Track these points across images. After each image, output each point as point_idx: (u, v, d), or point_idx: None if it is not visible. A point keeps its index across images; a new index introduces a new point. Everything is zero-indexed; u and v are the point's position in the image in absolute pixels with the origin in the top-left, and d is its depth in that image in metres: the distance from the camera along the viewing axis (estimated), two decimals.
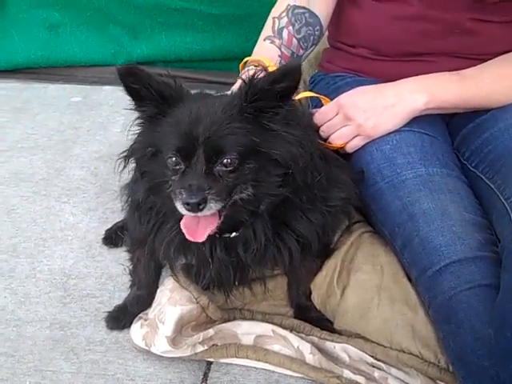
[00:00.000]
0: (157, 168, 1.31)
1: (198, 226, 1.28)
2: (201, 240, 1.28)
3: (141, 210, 1.45)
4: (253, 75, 1.26)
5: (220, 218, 1.29)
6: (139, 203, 1.43)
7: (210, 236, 1.34)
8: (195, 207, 1.20)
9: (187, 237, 1.28)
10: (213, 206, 1.22)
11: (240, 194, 1.28)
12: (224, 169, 1.24)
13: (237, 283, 1.54)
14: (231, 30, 2.84)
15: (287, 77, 1.21)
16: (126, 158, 1.37)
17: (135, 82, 1.23)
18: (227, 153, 1.23)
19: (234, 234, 1.38)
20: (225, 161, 1.23)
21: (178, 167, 1.25)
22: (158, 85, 1.25)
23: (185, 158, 1.23)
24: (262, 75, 1.26)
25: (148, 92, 1.25)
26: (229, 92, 1.43)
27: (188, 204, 1.20)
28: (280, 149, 1.26)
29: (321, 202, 1.44)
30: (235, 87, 1.47)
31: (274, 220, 1.39)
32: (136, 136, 1.35)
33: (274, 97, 1.23)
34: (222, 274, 1.45)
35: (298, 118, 1.33)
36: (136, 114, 1.33)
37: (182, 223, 1.29)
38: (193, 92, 1.37)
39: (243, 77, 1.30)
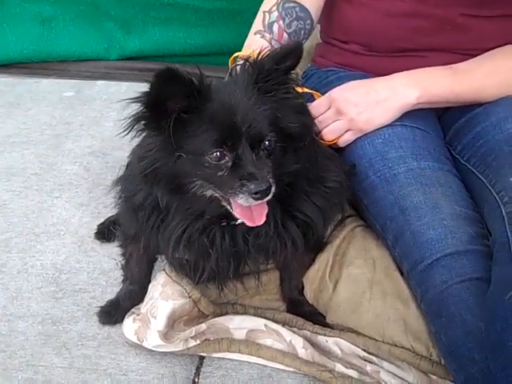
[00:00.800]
0: (181, 170, 1.26)
1: (253, 212, 1.28)
2: (262, 222, 1.29)
3: (140, 211, 1.42)
4: (257, 56, 1.27)
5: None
6: (140, 205, 1.41)
7: (221, 226, 1.37)
8: (264, 193, 1.20)
9: (248, 223, 1.28)
10: (273, 189, 1.23)
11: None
12: (266, 152, 1.25)
13: (231, 276, 1.53)
14: (224, 25, 2.83)
15: (290, 56, 1.25)
16: (146, 171, 1.29)
17: (172, 84, 1.17)
18: (267, 136, 1.24)
19: (239, 220, 1.34)
20: (266, 144, 1.24)
21: (222, 162, 1.23)
22: (191, 82, 1.19)
23: (230, 149, 1.22)
24: (265, 55, 1.27)
25: (182, 91, 1.18)
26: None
27: (257, 193, 1.19)
28: (295, 120, 1.28)
29: (320, 182, 1.45)
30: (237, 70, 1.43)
31: (281, 204, 1.39)
32: (148, 145, 1.27)
33: (280, 75, 1.26)
34: (220, 264, 1.44)
35: (294, 87, 1.35)
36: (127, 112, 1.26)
37: (237, 213, 1.29)
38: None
39: (250, 60, 1.29)
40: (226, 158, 1.23)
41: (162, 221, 1.41)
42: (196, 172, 1.26)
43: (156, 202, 1.37)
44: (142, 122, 1.25)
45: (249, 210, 1.28)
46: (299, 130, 1.29)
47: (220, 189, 1.26)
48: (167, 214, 1.39)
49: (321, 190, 1.45)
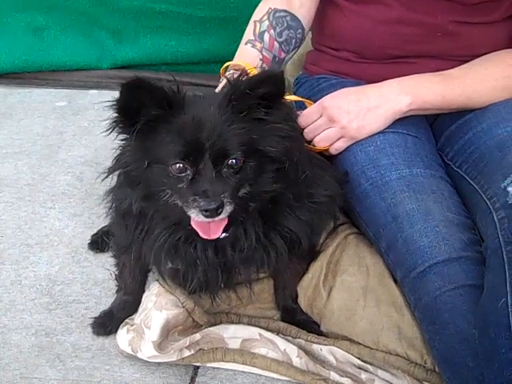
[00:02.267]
0: (152, 177, 1.29)
1: (210, 226, 1.29)
2: (216, 237, 1.29)
3: (128, 218, 1.44)
4: (238, 76, 1.27)
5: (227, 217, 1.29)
6: (126, 211, 1.42)
7: (194, 238, 1.36)
8: (214, 213, 1.20)
9: (202, 235, 1.29)
10: (228, 209, 1.23)
11: (241, 192, 1.29)
12: (231, 170, 1.25)
13: (223, 286, 1.53)
14: (216, 33, 2.83)
15: (265, 84, 1.22)
16: (111, 172, 1.37)
17: (142, 93, 1.20)
18: (232, 154, 1.24)
19: (223, 234, 1.36)
20: (230, 161, 1.24)
21: (183, 174, 1.24)
22: (164, 93, 1.22)
23: (192, 163, 1.23)
24: (245, 78, 1.27)
25: (152, 101, 1.22)
26: (216, 90, 1.43)
27: (207, 210, 1.20)
28: (276, 145, 1.27)
29: (307, 198, 1.45)
30: (220, 87, 1.47)
31: (263, 218, 1.39)
32: (124, 148, 1.32)
33: (259, 99, 1.24)
34: (209, 275, 1.45)
35: (288, 113, 1.34)
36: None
37: (193, 224, 1.29)
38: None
39: (229, 76, 1.31)
40: (188, 171, 1.24)
41: (148, 229, 1.42)
42: (163, 180, 1.28)
43: (149, 211, 1.38)
44: (118, 126, 1.28)
45: (206, 224, 1.28)
46: (279, 155, 1.28)
47: (180, 200, 1.27)
48: (151, 222, 1.40)
49: (307, 205, 1.46)
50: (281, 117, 1.29)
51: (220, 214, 1.21)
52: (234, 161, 1.24)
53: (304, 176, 1.41)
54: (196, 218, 1.25)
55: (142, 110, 1.23)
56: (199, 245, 1.39)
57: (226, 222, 1.30)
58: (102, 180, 1.39)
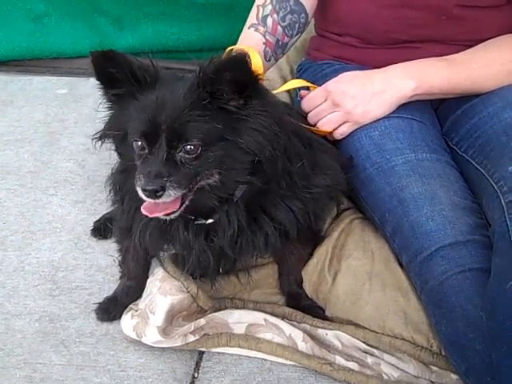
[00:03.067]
0: (127, 150, 1.31)
1: (157, 207, 1.27)
2: (156, 215, 1.28)
3: (120, 194, 1.45)
4: (209, 61, 1.23)
5: (184, 203, 1.28)
6: (118, 187, 1.44)
7: (186, 222, 1.37)
8: (153, 194, 1.20)
9: (143, 211, 1.28)
10: (171, 194, 1.22)
11: (207, 180, 1.28)
12: (186, 156, 1.23)
13: (221, 271, 1.54)
14: (218, 20, 2.80)
15: (230, 67, 1.19)
16: (101, 138, 1.38)
17: (112, 65, 1.23)
18: (188, 139, 1.22)
19: (209, 220, 1.38)
20: (187, 147, 1.23)
21: (142, 152, 1.25)
22: (134, 68, 1.24)
23: (149, 143, 1.24)
24: (212, 61, 1.23)
25: (123, 75, 1.24)
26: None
27: (146, 190, 1.20)
28: (245, 137, 1.25)
29: (301, 189, 1.44)
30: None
31: (250, 206, 1.38)
32: (108, 117, 1.35)
33: (229, 84, 1.21)
34: (203, 260, 1.45)
35: (269, 105, 1.29)
36: None
37: (142, 205, 1.29)
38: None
39: (200, 62, 1.27)
40: (145, 149, 1.25)
41: (136, 208, 1.41)
42: (133, 156, 1.29)
43: (130, 186, 1.37)
44: (102, 93, 1.32)
45: (154, 204, 1.27)
46: (250, 147, 1.26)
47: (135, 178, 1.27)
48: (139, 200, 1.38)
49: (300, 195, 1.44)
50: (254, 107, 1.25)
51: (160, 196, 1.21)
52: (189, 147, 1.23)
53: (301, 164, 1.40)
54: (140, 196, 1.24)
55: (115, 82, 1.26)
56: (191, 228, 1.39)
57: (173, 209, 1.27)
58: (99, 147, 1.40)
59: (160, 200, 1.22)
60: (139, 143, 1.25)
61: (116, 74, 1.24)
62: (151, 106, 1.24)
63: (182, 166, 1.23)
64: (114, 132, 1.33)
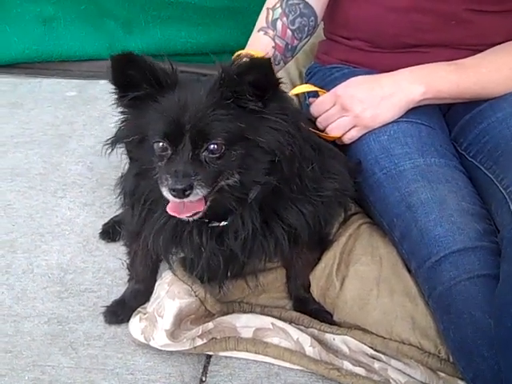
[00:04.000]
0: (144, 154, 1.31)
1: (184, 209, 1.28)
2: (185, 216, 1.28)
3: (132, 198, 1.44)
4: (230, 62, 1.25)
5: (206, 203, 1.28)
6: (130, 191, 1.43)
7: (200, 225, 1.37)
8: (181, 193, 1.20)
9: (170, 213, 1.28)
10: (199, 192, 1.22)
11: (227, 180, 1.28)
12: (210, 155, 1.23)
13: (229, 275, 1.54)
14: (226, 24, 2.82)
15: (253, 70, 1.20)
16: (112, 144, 1.37)
17: (132, 68, 1.23)
18: (213, 138, 1.22)
19: (223, 223, 1.38)
20: (211, 147, 1.23)
21: (164, 153, 1.25)
22: (155, 70, 1.24)
23: (172, 143, 1.24)
24: (236, 62, 1.25)
25: (142, 77, 1.24)
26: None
27: (174, 190, 1.20)
28: (266, 136, 1.26)
29: (312, 192, 1.44)
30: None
31: (263, 209, 1.38)
32: (121, 122, 1.35)
33: (250, 86, 1.22)
34: (212, 263, 1.45)
35: (288, 109, 1.31)
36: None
37: (168, 207, 1.29)
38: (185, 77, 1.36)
39: (222, 63, 1.28)
40: (168, 150, 1.25)
41: (148, 212, 1.42)
42: (152, 159, 1.29)
43: (143, 190, 1.38)
44: (115, 97, 1.31)
45: (180, 206, 1.28)
46: (270, 146, 1.26)
47: (158, 178, 1.27)
48: (151, 204, 1.40)
49: (311, 198, 1.44)
50: (274, 109, 1.26)
51: (188, 195, 1.21)
52: (213, 146, 1.23)
53: (311, 168, 1.40)
54: (166, 197, 1.24)
55: (133, 85, 1.25)
56: (198, 232, 1.39)
57: (199, 210, 1.28)
58: (109, 153, 1.39)
59: (187, 199, 1.23)
60: (161, 144, 1.25)
61: (135, 76, 1.24)
62: (174, 107, 1.24)
63: (206, 165, 1.24)
64: (131, 137, 1.32)
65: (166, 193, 1.22)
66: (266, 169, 1.30)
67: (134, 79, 1.24)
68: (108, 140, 1.37)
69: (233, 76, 1.21)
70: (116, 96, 1.30)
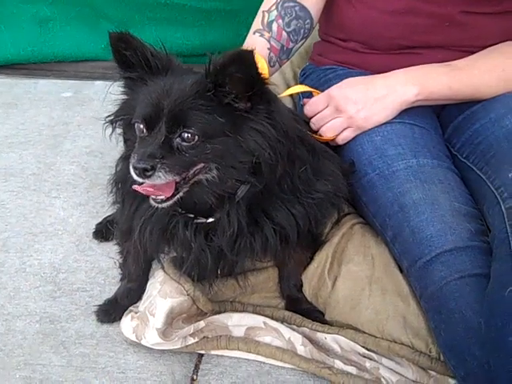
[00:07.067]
0: (132, 136, 1.33)
1: (150, 190, 1.27)
2: (149, 195, 1.27)
3: (121, 190, 1.46)
4: (218, 54, 1.24)
5: (178, 193, 1.28)
6: (118, 177, 1.45)
7: (186, 220, 1.38)
8: (142, 172, 1.19)
9: (133, 186, 1.27)
10: (161, 176, 1.21)
11: (205, 174, 1.28)
12: (183, 143, 1.23)
13: (220, 274, 1.53)
14: (222, 25, 2.82)
15: (236, 61, 1.18)
16: (111, 122, 1.38)
17: (126, 48, 1.25)
18: (187, 126, 1.22)
19: (210, 219, 1.38)
20: (184, 134, 1.22)
21: (142, 135, 1.27)
22: (147, 53, 1.26)
23: (149, 126, 1.25)
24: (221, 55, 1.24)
25: (136, 59, 1.27)
26: None
27: (136, 168, 1.20)
28: (247, 136, 1.25)
29: (303, 194, 1.43)
30: None
31: (252, 208, 1.38)
32: (120, 101, 1.37)
33: (235, 82, 1.21)
34: (202, 260, 1.44)
35: (277, 113, 1.28)
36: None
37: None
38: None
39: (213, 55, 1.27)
40: (145, 132, 1.26)
41: (138, 204, 1.42)
42: (136, 140, 1.30)
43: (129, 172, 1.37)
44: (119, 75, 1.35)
45: (150, 185, 1.26)
46: (250, 147, 1.25)
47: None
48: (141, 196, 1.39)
49: (302, 199, 1.44)
50: (261, 111, 1.25)
51: (149, 176, 1.20)
52: (187, 134, 1.22)
53: (304, 169, 1.40)
54: (131, 174, 1.24)
55: (129, 65, 1.29)
56: (190, 226, 1.39)
57: (168, 191, 1.26)
58: (110, 135, 1.40)
59: (149, 181, 1.22)
60: (139, 126, 1.26)
61: (130, 57, 1.27)
62: (157, 91, 1.25)
63: (177, 151, 1.23)
64: (123, 116, 1.34)
65: (131, 171, 1.22)
66: (247, 168, 1.29)
67: (130, 60, 1.27)
68: (108, 117, 1.39)
69: (216, 67, 1.20)
70: (119, 72, 1.34)
